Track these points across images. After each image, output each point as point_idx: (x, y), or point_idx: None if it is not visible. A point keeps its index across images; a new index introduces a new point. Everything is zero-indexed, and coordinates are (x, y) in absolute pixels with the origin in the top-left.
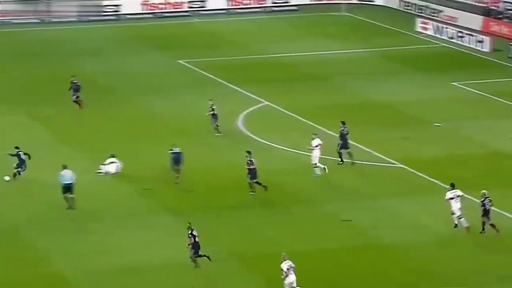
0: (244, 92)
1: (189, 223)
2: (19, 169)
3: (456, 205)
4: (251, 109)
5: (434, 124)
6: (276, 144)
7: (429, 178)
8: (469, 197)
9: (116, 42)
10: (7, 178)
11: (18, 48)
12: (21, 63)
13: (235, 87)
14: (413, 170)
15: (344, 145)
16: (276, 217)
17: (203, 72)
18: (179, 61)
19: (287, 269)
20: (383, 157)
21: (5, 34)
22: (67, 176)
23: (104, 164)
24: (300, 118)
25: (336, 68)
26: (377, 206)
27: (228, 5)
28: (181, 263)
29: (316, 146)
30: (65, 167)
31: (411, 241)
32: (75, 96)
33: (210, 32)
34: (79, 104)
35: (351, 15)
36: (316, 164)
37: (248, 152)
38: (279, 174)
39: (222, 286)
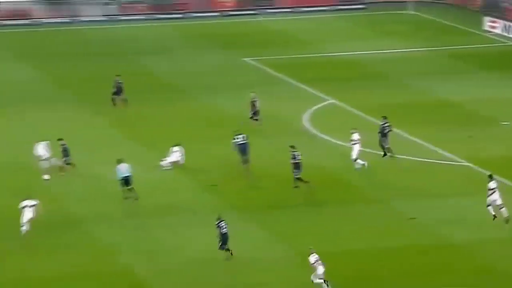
0: (310, 90)
1: (219, 215)
2: (66, 159)
3: (494, 196)
4: (316, 107)
5: (502, 123)
6: (341, 141)
7: (496, 177)
8: None
9: (182, 41)
10: (46, 177)
11: (86, 46)
12: (89, 61)
13: (300, 85)
14: (480, 169)
15: (383, 139)
16: (342, 215)
17: (268, 70)
18: (244, 59)
19: (315, 261)
20: (450, 155)
21: (73, 32)
22: (124, 169)
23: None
24: (366, 116)
25: (402, 66)
26: (444, 205)
27: (294, 4)
28: (249, 259)
29: (355, 140)
30: (120, 161)
31: (479, 239)
32: (116, 95)
33: (276, 31)
34: (114, 103)
35: (418, 13)
36: (355, 159)
37: (292, 147)
38: (345, 172)
39: (292, 284)
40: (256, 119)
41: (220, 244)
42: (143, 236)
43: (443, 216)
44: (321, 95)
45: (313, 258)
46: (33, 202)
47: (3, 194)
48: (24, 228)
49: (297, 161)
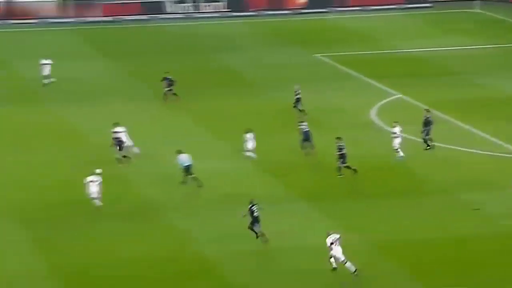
0: (378, 85)
1: (252, 199)
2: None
3: None
4: (384, 101)
5: None
6: (407, 134)
7: None
8: None
9: (255, 38)
10: (136, 150)
11: (165, 42)
12: (167, 57)
13: (369, 80)
14: None
15: (426, 131)
16: (408, 206)
17: (338, 66)
18: (315, 55)
19: (331, 243)
20: None
21: (152, 28)
22: (185, 158)
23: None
24: (433, 111)
25: (468, 63)
26: (510, 198)
27: (364, 3)
28: (319, 247)
29: (397, 133)
30: (180, 152)
31: None
32: (167, 89)
33: (346, 28)
34: (166, 97)
35: (485, 12)
36: (397, 149)
37: (339, 138)
38: (411, 164)
39: (365, 275)
40: (300, 109)
41: (249, 224)
42: (215, 223)
43: (508, 208)
44: (389, 90)
45: (329, 239)
46: (97, 178)
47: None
48: (97, 201)
49: (342, 152)
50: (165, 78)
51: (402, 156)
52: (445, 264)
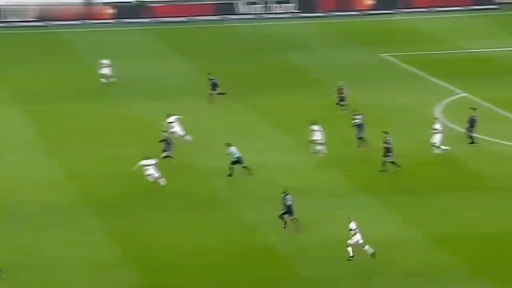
0: (443, 84)
1: (285, 190)
2: (167, 153)
3: None
4: (449, 99)
5: None
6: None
7: None
8: None
9: (323, 38)
10: (188, 138)
11: (236, 42)
12: (239, 56)
13: (434, 80)
14: None
15: (470, 129)
16: (469, 200)
17: (403, 65)
18: (382, 55)
19: (353, 228)
20: None
21: (224, 28)
22: (235, 151)
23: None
24: (496, 109)
25: None
26: None
27: (429, 4)
28: (383, 240)
29: (438, 129)
30: (229, 145)
31: None
32: (214, 92)
33: (412, 29)
34: (211, 95)
35: None
36: (436, 144)
37: (385, 133)
38: (474, 161)
39: (425, 268)
40: (342, 105)
41: (282, 212)
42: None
43: None
44: (454, 88)
45: (353, 225)
46: (152, 161)
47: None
48: (161, 180)
49: (388, 145)
50: (209, 79)
51: (446, 149)
52: (504, 258)
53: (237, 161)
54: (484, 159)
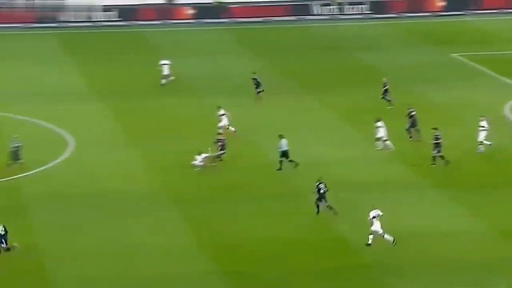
0: None
1: (319, 179)
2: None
3: None
4: None
5: None
6: None
7: None
8: None
9: (395, 38)
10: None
11: (312, 42)
12: (314, 55)
13: (504, 79)
14: None
15: None
16: None
17: (473, 64)
18: (452, 54)
19: (373, 217)
20: None
21: (299, 29)
22: (284, 144)
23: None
24: None
25: None
26: None
27: (500, 6)
28: (450, 232)
29: (484, 127)
30: (282, 137)
31: None
32: (258, 90)
33: (481, 29)
34: (259, 96)
35: None
36: (481, 141)
37: (435, 129)
38: None
39: (489, 261)
40: (388, 100)
41: (316, 200)
42: (352, 209)
43: None
44: None
45: (373, 213)
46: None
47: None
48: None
49: (438, 141)
50: (253, 79)
51: (490, 144)
52: None
53: (283, 154)
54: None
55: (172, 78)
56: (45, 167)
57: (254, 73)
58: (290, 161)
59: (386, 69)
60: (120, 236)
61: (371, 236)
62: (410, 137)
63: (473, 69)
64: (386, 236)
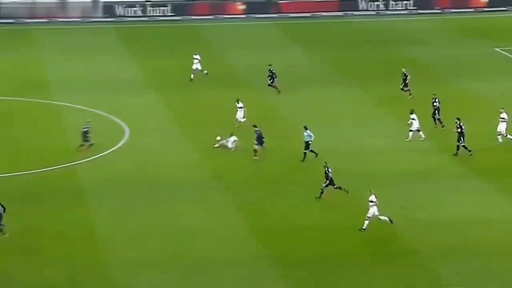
0: None
1: (325, 163)
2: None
3: None
4: None
5: None
6: None
7: None
8: None
9: (438, 33)
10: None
11: (357, 36)
12: (360, 49)
13: None
14: None
15: None
16: None
17: None
18: (495, 49)
19: (371, 201)
20: None
21: (346, 23)
22: (308, 134)
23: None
24: None
25: None
26: None
27: None
28: (488, 219)
29: (504, 118)
30: (306, 128)
31: None
32: (270, 81)
33: None
34: (276, 88)
35: None
36: (502, 133)
37: (458, 119)
38: None
39: None
40: (406, 90)
41: (324, 184)
42: (398, 196)
43: None
44: None
45: (373, 197)
46: (232, 138)
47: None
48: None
49: (461, 130)
50: (269, 70)
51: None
52: None
53: (307, 144)
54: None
55: (205, 72)
56: (102, 154)
57: (270, 65)
58: (311, 151)
59: (430, 62)
60: (172, 220)
61: (367, 222)
62: (435, 126)
63: None
64: (382, 217)
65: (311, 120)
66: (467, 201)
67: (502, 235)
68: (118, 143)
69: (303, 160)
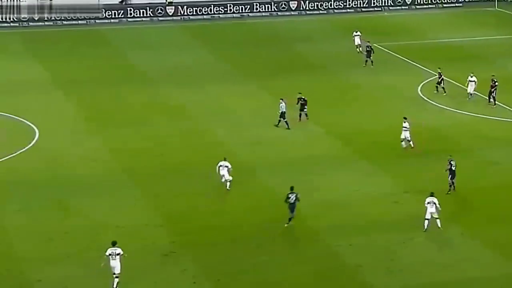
0: (422, 67)
1: (450, 155)
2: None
3: None
4: (427, 80)
5: None
6: (445, 106)
7: None
8: None
9: (323, 31)
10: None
11: (251, 36)
12: (255, 48)
13: (415, 64)
14: None
15: None
16: None
17: (390, 52)
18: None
19: (428, 202)
20: None
21: (243, 25)
22: (283, 106)
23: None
24: (464, 87)
25: (492, 49)
26: None
27: (409, 2)
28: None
29: (406, 127)
30: (282, 100)
31: None
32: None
33: (395, 23)
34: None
35: (503, 10)
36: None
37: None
38: (446, 130)
39: None
40: (442, 88)
41: (450, 177)
42: (297, 179)
43: None
44: (431, 71)
45: (428, 199)
46: (228, 164)
47: None
48: (228, 184)
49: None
50: (298, 98)
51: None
52: None
53: (281, 115)
54: (454, 128)
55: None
56: (12, 155)
57: (300, 93)
58: (286, 122)
59: (312, 56)
60: (84, 214)
61: (426, 222)
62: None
63: (387, 56)
64: (438, 221)
65: (215, 114)
66: (353, 181)
67: (384, 209)
68: (28, 144)
69: (277, 125)
